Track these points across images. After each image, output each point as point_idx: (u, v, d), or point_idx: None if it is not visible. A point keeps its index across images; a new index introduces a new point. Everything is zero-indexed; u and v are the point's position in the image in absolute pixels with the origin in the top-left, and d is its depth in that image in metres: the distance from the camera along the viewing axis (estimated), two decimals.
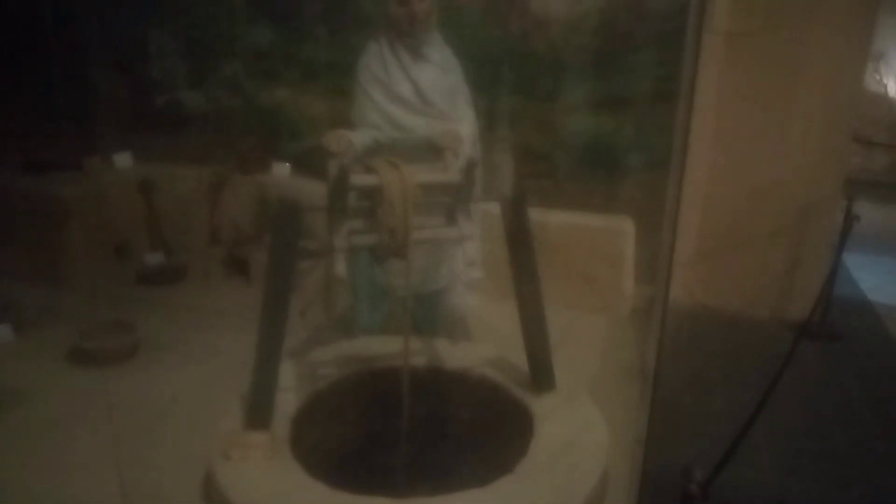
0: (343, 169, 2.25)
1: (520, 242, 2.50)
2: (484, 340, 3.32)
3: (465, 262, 2.93)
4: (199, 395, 3.02)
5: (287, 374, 2.67)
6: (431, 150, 2.66)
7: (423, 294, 3.13)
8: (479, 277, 3.09)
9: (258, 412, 2.42)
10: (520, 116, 3.77)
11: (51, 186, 4.07)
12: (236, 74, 4.75)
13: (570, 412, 2.64)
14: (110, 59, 4.88)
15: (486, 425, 2.82)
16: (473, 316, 3.43)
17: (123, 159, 4.32)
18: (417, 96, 2.84)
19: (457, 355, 2.97)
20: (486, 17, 3.91)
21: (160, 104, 4.81)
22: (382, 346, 3.00)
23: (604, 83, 3.79)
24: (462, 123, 2.88)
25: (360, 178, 2.26)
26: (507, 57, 3.74)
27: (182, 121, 4.80)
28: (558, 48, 4.00)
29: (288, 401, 2.59)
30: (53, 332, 3.60)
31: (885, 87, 8.18)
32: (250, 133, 4.59)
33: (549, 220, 3.83)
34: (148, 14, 5.02)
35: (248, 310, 3.82)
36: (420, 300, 3.12)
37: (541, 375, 2.73)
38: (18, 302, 3.74)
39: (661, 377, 1.92)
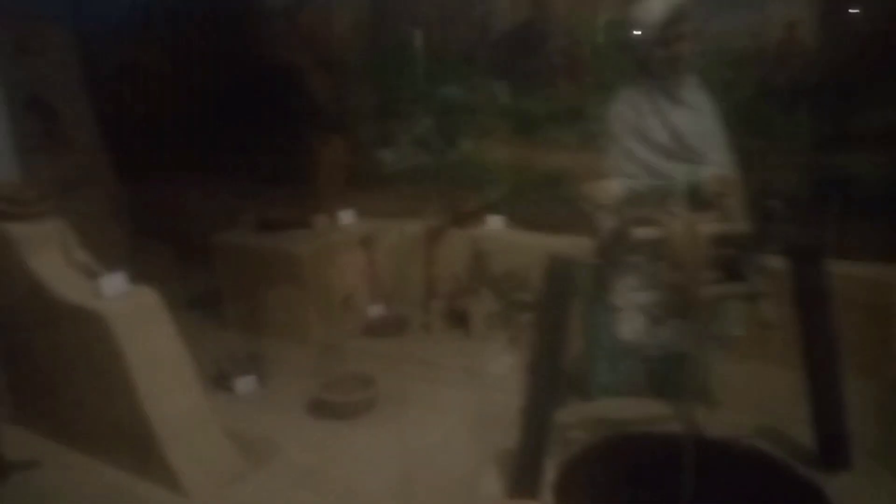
0: (624, 222, 2.12)
1: (815, 300, 2.22)
2: (737, 405, 3.01)
3: (732, 320, 2.68)
4: (446, 451, 2.97)
5: None
6: (696, 198, 2.47)
7: (674, 354, 2.90)
8: (740, 335, 2.82)
9: (526, 479, 2.30)
10: (781, 158, 3.46)
11: (284, 244, 4.30)
12: (450, 130, 4.86)
13: (874, 495, 2.28)
14: (330, 124, 5.19)
15: None
16: (725, 378, 3.12)
17: (347, 216, 4.50)
18: (675, 142, 2.68)
19: (717, 422, 2.69)
20: (739, 56, 3.69)
21: (378, 162, 5.02)
22: (630, 410, 2.81)
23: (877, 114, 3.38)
24: (724, 168, 2.67)
25: (642, 232, 2.12)
26: (765, 96, 3.48)
27: (397, 177, 4.97)
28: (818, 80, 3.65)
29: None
30: (293, 383, 3.75)
31: None
32: (463, 187, 4.65)
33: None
34: (362, 76, 5.32)
35: (471, 364, 3.78)
36: (670, 361, 2.89)
37: (833, 451, 2.40)
38: (260, 354, 3.95)
39: None
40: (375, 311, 4.36)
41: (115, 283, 2.92)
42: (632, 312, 2.26)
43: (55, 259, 3.08)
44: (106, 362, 2.85)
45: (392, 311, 4.39)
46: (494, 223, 4.38)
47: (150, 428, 2.84)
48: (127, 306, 2.89)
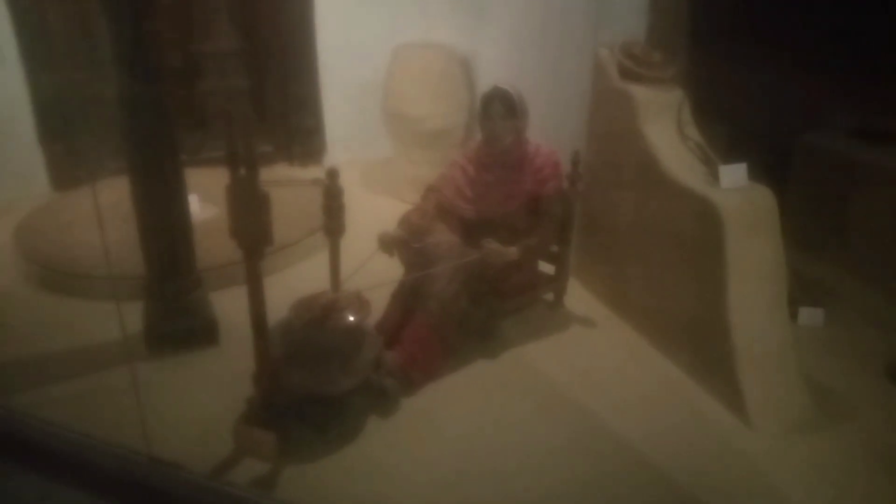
0: None
1: None
2: None
3: None
4: None
5: None
6: None
7: None
8: None
9: None
10: None
11: (888, 159, 3.48)
12: None
13: None
14: None
15: None
16: None
17: None
18: None
19: None
20: None
21: None
22: None
23: None
24: None
25: None
26: None
27: None
28: None
29: None
30: (870, 333, 3.12)
31: None
32: None
33: None
34: None
35: None
36: None
37: None
38: (830, 286, 3.36)
39: None
40: None
41: (735, 175, 2.61)
42: None
43: (670, 131, 2.89)
44: (703, 256, 2.62)
45: None
46: None
47: (729, 340, 2.56)
48: (743, 203, 2.56)
